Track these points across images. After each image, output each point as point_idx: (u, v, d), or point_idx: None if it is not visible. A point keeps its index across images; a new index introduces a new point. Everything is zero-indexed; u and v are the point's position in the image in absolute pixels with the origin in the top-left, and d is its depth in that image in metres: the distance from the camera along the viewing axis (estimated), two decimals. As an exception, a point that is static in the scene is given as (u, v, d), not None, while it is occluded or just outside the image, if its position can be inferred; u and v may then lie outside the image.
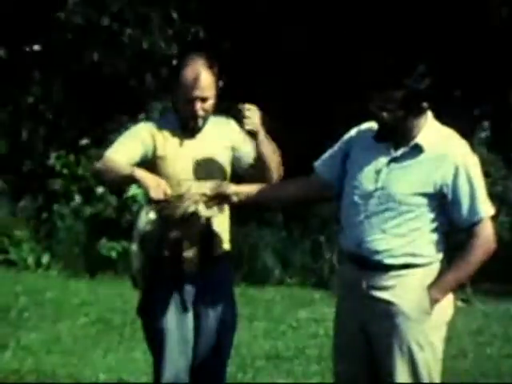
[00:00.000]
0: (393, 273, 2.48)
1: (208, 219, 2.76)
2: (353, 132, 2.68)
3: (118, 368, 4.34)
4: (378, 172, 2.51)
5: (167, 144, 2.74)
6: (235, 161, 2.84)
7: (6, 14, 7.34)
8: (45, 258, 7.01)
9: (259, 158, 2.74)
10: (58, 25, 7.19)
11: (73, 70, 7.37)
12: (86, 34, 7.25)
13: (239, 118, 2.66)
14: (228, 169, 2.84)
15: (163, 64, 6.97)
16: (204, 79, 2.67)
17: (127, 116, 7.06)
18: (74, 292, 6.14)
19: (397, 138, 2.51)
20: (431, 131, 2.50)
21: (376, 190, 2.50)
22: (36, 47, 7.48)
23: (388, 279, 2.48)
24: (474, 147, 2.54)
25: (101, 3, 7.24)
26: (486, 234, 2.47)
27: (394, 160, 2.50)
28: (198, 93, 2.67)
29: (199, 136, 2.78)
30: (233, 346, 2.92)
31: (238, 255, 6.58)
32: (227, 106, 2.72)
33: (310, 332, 5.17)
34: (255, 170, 2.80)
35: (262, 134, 2.69)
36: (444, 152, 2.46)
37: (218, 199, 2.71)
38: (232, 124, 2.84)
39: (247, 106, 2.64)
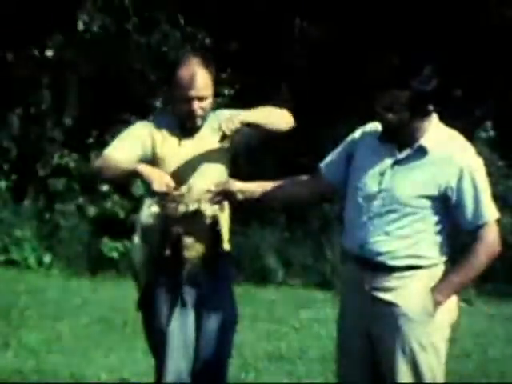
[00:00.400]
0: (396, 274, 2.48)
1: (214, 217, 2.75)
2: (357, 133, 2.67)
3: (119, 368, 4.34)
4: (382, 174, 2.51)
5: (166, 143, 2.74)
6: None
7: (17, 16, 7.36)
8: (46, 258, 7.01)
9: (259, 130, 2.72)
10: (74, 32, 7.23)
11: (85, 73, 7.40)
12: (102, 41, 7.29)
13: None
14: (227, 166, 2.83)
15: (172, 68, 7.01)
16: (200, 79, 2.66)
17: (136, 116, 7.06)
18: (76, 291, 6.14)
19: (401, 140, 2.50)
20: (436, 133, 2.49)
21: (380, 191, 2.50)
22: (49, 53, 7.49)
23: (391, 280, 2.48)
24: (476, 147, 2.52)
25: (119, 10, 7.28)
26: (491, 237, 2.46)
27: (399, 162, 2.50)
28: (194, 92, 2.66)
29: (197, 135, 2.77)
30: (235, 347, 2.92)
31: (241, 255, 6.58)
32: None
33: (312, 333, 5.17)
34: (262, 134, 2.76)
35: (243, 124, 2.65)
36: (449, 154, 2.45)
37: (223, 196, 2.71)
38: (222, 114, 2.81)
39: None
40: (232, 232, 2.88)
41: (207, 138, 2.77)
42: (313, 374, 4.34)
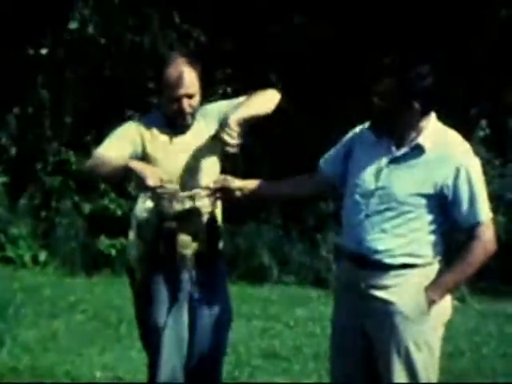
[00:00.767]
0: (392, 272, 2.49)
1: (211, 215, 2.76)
2: (356, 130, 2.70)
3: (114, 365, 4.35)
4: (379, 171, 2.52)
5: (156, 142, 2.75)
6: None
7: (11, 16, 7.35)
8: (42, 256, 7.01)
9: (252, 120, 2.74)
10: (67, 34, 7.23)
11: (79, 72, 7.40)
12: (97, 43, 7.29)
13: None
14: (218, 163, 2.84)
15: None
16: (188, 77, 2.69)
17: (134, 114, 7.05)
18: (71, 289, 6.14)
19: (391, 132, 2.51)
20: (433, 132, 2.51)
21: (377, 189, 2.51)
22: (43, 51, 7.48)
23: (387, 279, 2.49)
24: (472, 146, 2.54)
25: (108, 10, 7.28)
26: (487, 236, 2.48)
27: (396, 160, 2.51)
28: (183, 91, 2.68)
29: (188, 133, 2.79)
30: (230, 344, 2.93)
31: (236, 253, 6.59)
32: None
33: (306, 331, 5.18)
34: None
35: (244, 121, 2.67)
36: (445, 153, 2.46)
37: (222, 194, 2.72)
38: (208, 109, 2.84)
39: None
40: (227, 230, 2.89)
41: (197, 135, 2.79)
42: (307, 371, 4.35)
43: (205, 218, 2.77)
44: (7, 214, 7.26)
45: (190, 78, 2.70)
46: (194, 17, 7.40)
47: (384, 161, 2.53)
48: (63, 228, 7.10)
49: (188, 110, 2.72)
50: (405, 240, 2.48)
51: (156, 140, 2.76)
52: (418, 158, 2.48)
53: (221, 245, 2.87)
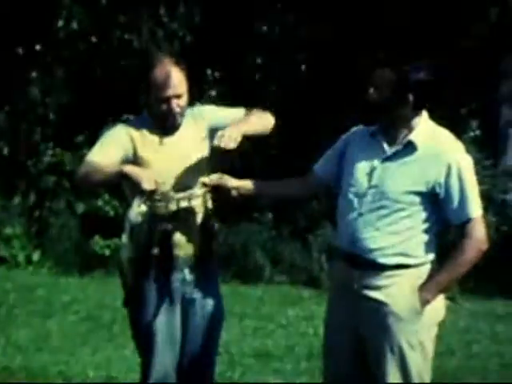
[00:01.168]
0: (385, 273, 2.50)
1: (207, 215, 2.77)
2: (349, 132, 2.72)
3: (107, 365, 4.36)
4: (372, 170, 2.54)
5: (146, 144, 2.75)
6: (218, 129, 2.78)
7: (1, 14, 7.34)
8: (35, 256, 7.01)
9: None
10: (54, 30, 7.21)
11: (70, 69, 7.39)
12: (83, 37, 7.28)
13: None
14: (209, 163, 2.84)
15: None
16: (175, 77, 2.69)
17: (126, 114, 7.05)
18: (64, 289, 6.14)
19: (384, 126, 2.53)
20: (425, 130, 2.53)
21: (370, 187, 2.53)
22: (36, 47, 7.47)
23: (380, 279, 2.50)
24: (464, 146, 2.57)
25: (95, 8, 7.26)
26: (478, 234, 2.49)
27: (388, 158, 2.53)
28: (171, 91, 2.68)
29: (177, 134, 2.79)
30: (222, 344, 2.94)
31: (228, 253, 6.61)
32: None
33: (299, 330, 5.19)
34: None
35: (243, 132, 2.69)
36: (437, 151, 2.48)
37: (218, 192, 2.72)
38: (199, 109, 2.87)
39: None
40: (220, 230, 2.91)
41: (188, 136, 2.79)
42: (299, 371, 4.36)
43: (199, 218, 2.78)
44: (1, 214, 7.25)
45: (177, 78, 2.70)
46: (180, 16, 7.42)
47: (377, 160, 2.55)
48: (57, 228, 7.09)
49: (177, 110, 2.72)
50: (398, 238, 2.49)
51: (146, 141, 2.76)
52: (411, 156, 2.50)
53: (215, 245, 2.89)
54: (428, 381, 2.57)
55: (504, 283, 6.18)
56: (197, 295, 2.80)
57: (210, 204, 2.82)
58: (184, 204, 2.74)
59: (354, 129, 2.71)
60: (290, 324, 5.36)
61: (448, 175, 2.46)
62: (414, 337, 2.50)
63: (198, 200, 2.77)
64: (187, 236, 2.76)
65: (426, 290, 2.49)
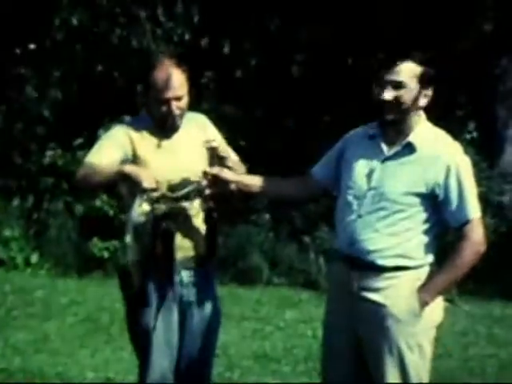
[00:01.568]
0: (384, 274, 2.50)
1: (209, 215, 2.78)
2: (348, 134, 2.73)
3: (105, 367, 4.36)
4: (371, 172, 2.55)
5: (145, 145, 2.75)
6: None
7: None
8: (34, 258, 7.01)
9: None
10: (53, 27, 7.21)
11: (67, 69, 7.39)
12: (81, 36, 7.28)
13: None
14: (206, 166, 2.85)
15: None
16: (176, 79, 2.70)
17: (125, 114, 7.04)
18: (63, 291, 6.14)
19: (390, 136, 2.54)
20: (424, 131, 2.54)
21: (369, 189, 2.53)
22: (32, 46, 7.47)
23: (379, 281, 2.51)
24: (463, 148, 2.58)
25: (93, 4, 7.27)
26: (476, 236, 2.49)
27: (388, 159, 2.54)
28: (171, 93, 2.69)
29: (176, 135, 2.80)
30: (220, 346, 2.94)
31: (226, 255, 6.61)
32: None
33: (297, 332, 5.20)
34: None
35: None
36: (436, 153, 2.49)
37: (217, 186, 2.70)
38: (204, 123, 2.89)
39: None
40: (218, 232, 2.90)
41: (187, 138, 2.80)
42: (297, 373, 4.37)
43: (198, 219, 2.78)
44: (-1, 216, 7.26)
45: (178, 80, 2.70)
46: (178, 15, 7.43)
47: (376, 161, 2.55)
48: (55, 230, 7.09)
49: (176, 112, 2.72)
50: (397, 240, 2.49)
51: (146, 142, 2.76)
52: (410, 157, 2.51)
53: (215, 247, 2.88)
54: (426, 382, 2.57)
55: (502, 285, 6.18)
56: (194, 297, 2.80)
57: (210, 205, 2.82)
58: (183, 205, 2.74)
59: (353, 131, 2.72)
60: (288, 326, 5.37)
61: (447, 176, 2.47)
62: (413, 339, 2.50)
63: (197, 202, 2.77)
64: (186, 237, 2.76)
65: (425, 292, 2.49)
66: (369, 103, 2.56)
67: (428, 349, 2.55)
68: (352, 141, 2.69)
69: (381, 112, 2.51)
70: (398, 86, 2.47)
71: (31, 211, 7.35)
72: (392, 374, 2.51)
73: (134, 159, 2.73)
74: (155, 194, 2.58)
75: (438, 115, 2.66)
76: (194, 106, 2.82)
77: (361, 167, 2.58)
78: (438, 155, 2.49)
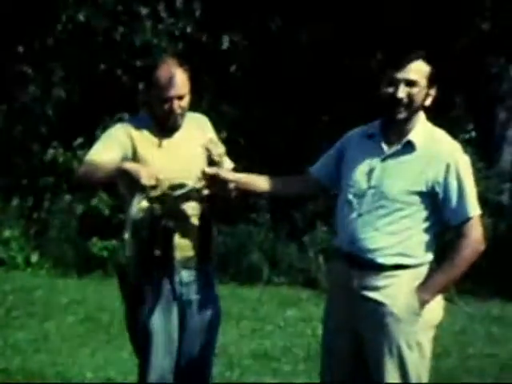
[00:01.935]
0: (384, 273, 2.51)
1: (207, 216, 2.78)
2: (348, 133, 2.73)
3: (105, 367, 4.37)
4: (371, 170, 2.55)
5: (146, 143, 2.76)
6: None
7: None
8: (34, 257, 7.01)
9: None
10: (57, 25, 7.22)
11: (71, 67, 7.40)
12: (85, 34, 7.29)
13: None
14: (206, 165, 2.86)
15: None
16: (178, 78, 2.70)
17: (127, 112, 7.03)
18: (63, 291, 6.15)
19: (385, 129, 2.55)
20: (423, 130, 2.54)
21: (369, 188, 2.54)
22: (36, 44, 7.48)
23: (379, 279, 2.52)
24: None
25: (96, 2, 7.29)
26: (475, 234, 2.50)
27: (387, 158, 2.55)
28: (174, 92, 2.69)
29: (177, 135, 2.81)
30: (220, 345, 2.94)
31: (226, 254, 6.62)
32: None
33: (297, 331, 5.20)
34: None
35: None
36: (436, 152, 2.50)
37: (216, 186, 2.70)
38: (207, 122, 2.91)
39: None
40: (217, 231, 2.91)
41: (188, 137, 2.81)
42: (297, 372, 4.38)
43: (197, 219, 2.78)
44: None
45: (180, 79, 2.71)
46: (179, 11, 7.44)
47: (376, 160, 2.56)
48: (55, 229, 7.09)
49: (178, 111, 2.73)
50: (397, 238, 2.50)
51: (146, 141, 2.77)
52: (409, 155, 2.51)
53: (213, 246, 2.89)
54: (426, 381, 2.58)
55: (501, 285, 6.19)
56: (194, 297, 2.81)
57: (204, 207, 2.83)
58: (182, 204, 2.74)
59: (352, 130, 2.73)
60: (287, 325, 5.37)
61: (447, 175, 2.48)
62: (413, 337, 2.51)
63: (196, 201, 2.78)
64: (185, 237, 2.76)
65: (424, 291, 2.50)
66: (368, 102, 2.56)
67: (427, 347, 2.55)
68: (352, 140, 2.69)
69: (390, 110, 2.51)
70: (410, 84, 2.47)
71: (31, 211, 7.35)
72: (391, 372, 2.51)
73: (135, 158, 2.74)
74: (154, 193, 2.59)
75: (436, 114, 2.66)
76: (193, 105, 2.83)
77: (361, 166, 2.58)
78: (437, 154, 2.49)
